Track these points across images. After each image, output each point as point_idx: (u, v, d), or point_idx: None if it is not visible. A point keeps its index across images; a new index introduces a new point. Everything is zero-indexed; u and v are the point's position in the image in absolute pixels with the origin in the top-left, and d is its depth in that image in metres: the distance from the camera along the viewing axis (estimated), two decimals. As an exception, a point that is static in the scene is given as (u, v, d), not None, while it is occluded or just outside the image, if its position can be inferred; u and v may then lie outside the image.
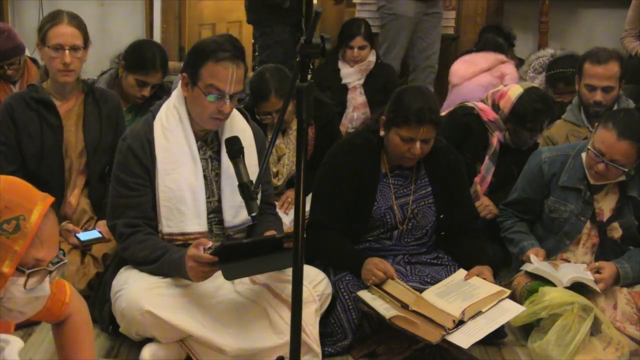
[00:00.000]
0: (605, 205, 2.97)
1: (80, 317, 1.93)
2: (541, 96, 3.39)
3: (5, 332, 1.72)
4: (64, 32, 3.01)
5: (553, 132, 3.51)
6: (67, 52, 3.00)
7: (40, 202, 1.56)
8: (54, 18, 3.05)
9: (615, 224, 2.95)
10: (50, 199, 1.59)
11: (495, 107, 3.45)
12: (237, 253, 2.32)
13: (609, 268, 2.83)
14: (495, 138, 3.45)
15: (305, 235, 2.77)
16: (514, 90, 3.41)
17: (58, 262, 1.62)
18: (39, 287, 1.59)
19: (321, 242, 2.81)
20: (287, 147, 3.50)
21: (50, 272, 1.60)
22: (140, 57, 3.55)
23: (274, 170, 3.53)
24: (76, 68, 3.06)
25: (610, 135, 2.78)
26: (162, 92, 3.72)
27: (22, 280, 1.55)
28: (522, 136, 3.40)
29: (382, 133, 2.82)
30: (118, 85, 3.65)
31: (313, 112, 3.75)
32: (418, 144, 2.72)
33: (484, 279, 2.72)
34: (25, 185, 1.60)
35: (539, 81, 4.36)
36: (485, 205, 3.38)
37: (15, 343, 1.61)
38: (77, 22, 3.07)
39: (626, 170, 2.83)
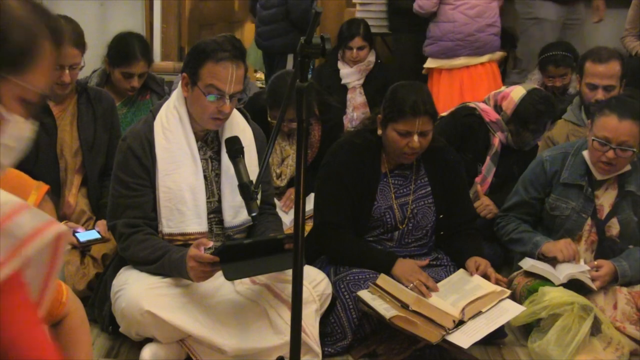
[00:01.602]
0: (605, 202, 2.97)
1: (77, 316, 1.92)
2: (544, 97, 3.39)
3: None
4: (65, 54, 2.98)
5: (554, 132, 3.52)
6: (67, 71, 3.00)
7: (34, 192, 1.54)
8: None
9: (614, 220, 2.95)
10: (45, 187, 1.56)
11: (497, 108, 3.45)
12: (238, 253, 2.32)
13: (606, 266, 2.84)
14: (497, 139, 3.45)
15: (315, 236, 2.79)
16: (517, 92, 3.41)
17: None
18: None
19: (338, 242, 2.80)
20: (292, 149, 3.51)
21: None
22: (120, 50, 3.56)
23: (278, 171, 3.54)
24: (73, 81, 3.08)
25: (612, 119, 2.79)
26: (154, 85, 3.73)
27: None
28: (524, 137, 3.40)
29: (379, 132, 2.82)
30: (110, 81, 3.66)
31: (321, 115, 3.80)
32: (416, 137, 2.72)
33: (480, 267, 2.74)
34: (18, 176, 1.57)
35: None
36: (485, 205, 3.38)
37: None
38: (76, 40, 3.04)
39: (635, 150, 2.83)
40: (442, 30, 4.62)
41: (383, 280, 2.65)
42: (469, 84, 4.66)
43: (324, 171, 2.89)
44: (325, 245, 2.85)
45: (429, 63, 4.76)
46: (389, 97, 2.80)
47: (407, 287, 2.64)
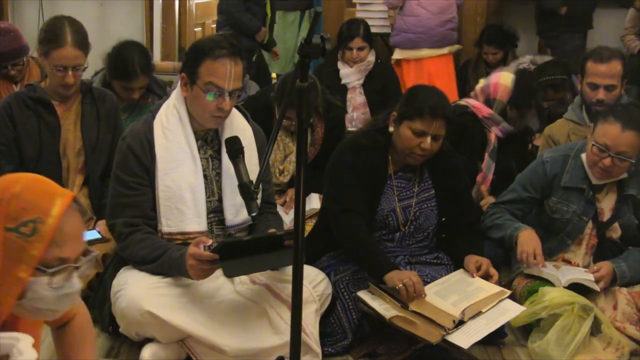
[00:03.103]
0: (605, 205, 2.97)
1: (83, 318, 1.93)
2: (531, 75, 3.49)
3: (36, 329, 1.72)
4: (68, 55, 2.97)
5: (554, 131, 3.51)
6: (70, 72, 2.98)
7: (59, 201, 1.55)
8: (57, 38, 2.96)
9: (615, 224, 2.95)
10: (70, 195, 1.57)
11: (489, 102, 3.44)
12: (238, 250, 2.32)
13: (605, 267, 2.83)
14: (493, 134, 3.44)
15: (337, 220, 2.75)
16: (506, 78, 3.41)
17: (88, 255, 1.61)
18: (67, 284, 1.58)
19: (357, 228, 2.73)
20: (295, 146, 3.51)
21: (77, 268, 1.59)
22: (119, 65, 3.52)
23: (280, 167, 3.56)
24: (77, 82, 3.06)
25: (615, 128, 2.78)
26: (156, 87, 3.72)
27: (45, 279, 1.54)
28: (529, 117, 3.40)
29: (391, 129, 2.81)
30: (110, 86, 3.63)
31: (324, 113, 3.81)
32: (429, 139, 2.71)
33: (482, 267, 2.73)
34: (46, 184, 1.58)
35: None
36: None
37: (26, 339, 1.59)
38: (80, 41, 3.01)
39: (632, 161, 2.82)
40: (407, 24, 5.02)
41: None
42: (431, 75, 5.01)
43: (332, 169, 2.84)
44: (345, 228, 2.75)
45: (397, 54, 5.19)
46: (408, 96, 2.80)
47: (396, 287, 2.56)
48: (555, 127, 3.53)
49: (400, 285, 2.54)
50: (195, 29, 6.41)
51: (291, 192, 3.54)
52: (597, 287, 2.79)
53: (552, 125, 3.56)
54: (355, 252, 2.75)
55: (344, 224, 2.75)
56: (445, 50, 5.17)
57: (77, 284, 1.61)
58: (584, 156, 2.94)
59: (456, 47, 5.30)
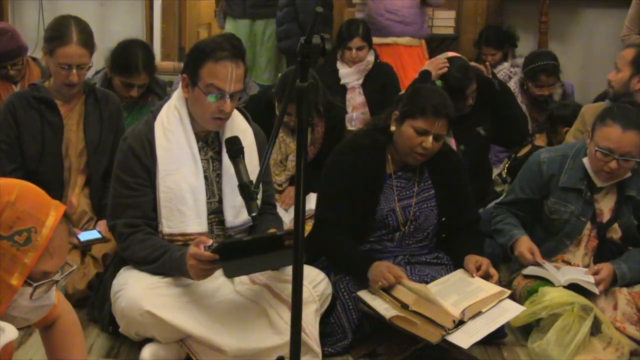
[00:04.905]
0: (605, 206, 2.97)
1: (69, 318, 1.92)
2: (453, 63, 3.49)
3: None
4: (73, 54, 2.97)
5: (589, 111, 3.53)
6: (74, 71, 2.99)
7: (52, 212, 1.56)
8: (62, 35, 2.97)
9: (615, 225, 2.95)
10: (62, 209, 1.59)
11: None
12: (238, 251, 2.32)
13: (606, 269, 2.83)
14: None
15: (313, 233, 2.79)
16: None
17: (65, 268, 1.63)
18: (45, 297, 1.61)
19: (327, 241, 2.80)
20: (295, 146, 3.52)
21: (57, 282, 1.62)
22: (122, 59, 3.52)
23: (280, 168, 3.57)
24: (81, 81, 3.06)
25: (615, 130, 2.78)
26: (157, 87, 3.72)
27: (28, 290, 1.56)
28: (464, 104, 3.44)
29: (393, 128, 2.81)
30: (111, 84, 3.64)
31: (325, 112, 3.83)
32: (431, 138, 2.72)
33: (482, 267, 2.74)
34: (39, 194, 1.60)
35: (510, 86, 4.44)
36: None
37: (9, 332, 1.60)
38: (85, 40, 3.01)
39: (638, 160, 2.83)
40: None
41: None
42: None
43: (328, 169, 2.87)
44: (319, 243, 2.83)
45: None
46: (411, 95, 2.81)
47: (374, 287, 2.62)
48: (592, 108, 3.56)
49: (379, 284, 2.60)
50: (199, 29, 6.40)
51: (291, 189, 3.55)
52: (596, 290, 2.79)
53: (591, 105, 3.59)
54: (335, 261, 2.82)
55: (321, 236, 2.82)
56: (388, 40, 5.06)
57: (53, 297, 1.65)
58: (585, 160, 2.94)
59: (407, 39, 5.11)
